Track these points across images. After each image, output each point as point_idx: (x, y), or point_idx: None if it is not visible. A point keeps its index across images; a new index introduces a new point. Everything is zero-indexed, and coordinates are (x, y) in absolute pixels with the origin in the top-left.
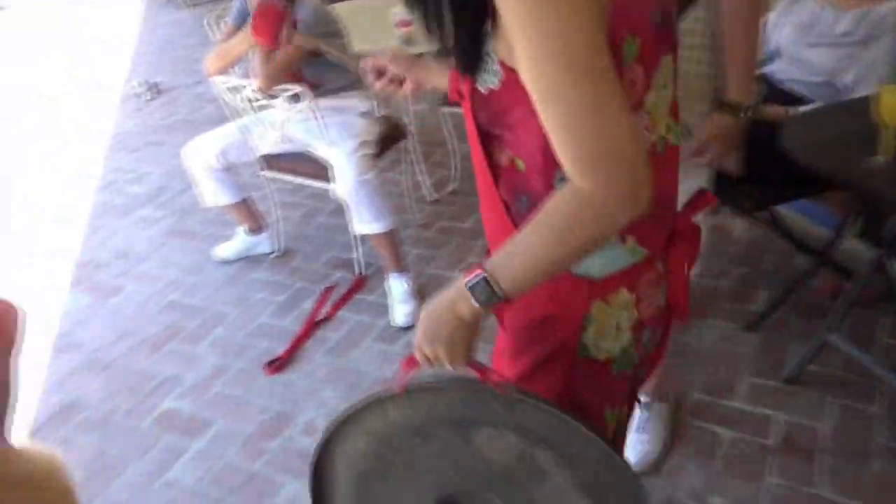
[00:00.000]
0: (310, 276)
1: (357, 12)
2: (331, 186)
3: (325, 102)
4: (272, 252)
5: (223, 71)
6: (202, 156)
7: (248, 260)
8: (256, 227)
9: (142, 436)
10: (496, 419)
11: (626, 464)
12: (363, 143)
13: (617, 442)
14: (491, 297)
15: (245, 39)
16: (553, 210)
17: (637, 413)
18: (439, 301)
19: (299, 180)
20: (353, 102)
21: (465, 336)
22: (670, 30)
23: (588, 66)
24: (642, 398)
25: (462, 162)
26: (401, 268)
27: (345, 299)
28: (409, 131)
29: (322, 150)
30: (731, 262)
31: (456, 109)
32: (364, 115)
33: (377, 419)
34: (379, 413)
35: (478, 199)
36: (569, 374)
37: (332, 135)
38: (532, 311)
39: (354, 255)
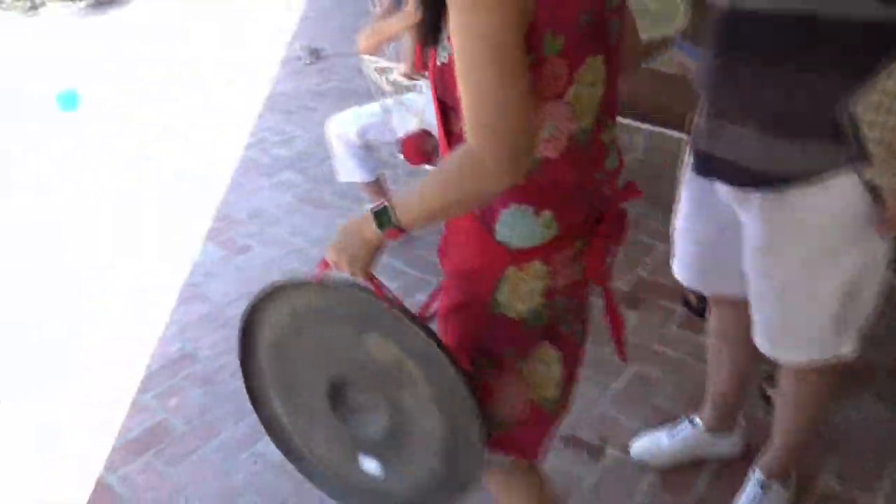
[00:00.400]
0: (429, 267)
1: None
2: None
3: None
4: None
5: (376, 48)
6: (343, 130)
7: None
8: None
9: (242, 400)
10: (383, 328)
11: (471, 398)
12: None
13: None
14: (388, 224)
15: (401, 20)
16: (448, 161)
17: (749, 489)
18: (354, 220)
19: (431, 168)
20: None
21: (366, 253)
22: (603, 34)
23: (496, 56)
24: (758, 474)
25: None
26: None
27: None
28: None
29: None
30: None
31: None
32: None
33: (296, 298)
34: (299, 293)
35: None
36: (480, 323)
37: None
38: (461, 263)
39: None
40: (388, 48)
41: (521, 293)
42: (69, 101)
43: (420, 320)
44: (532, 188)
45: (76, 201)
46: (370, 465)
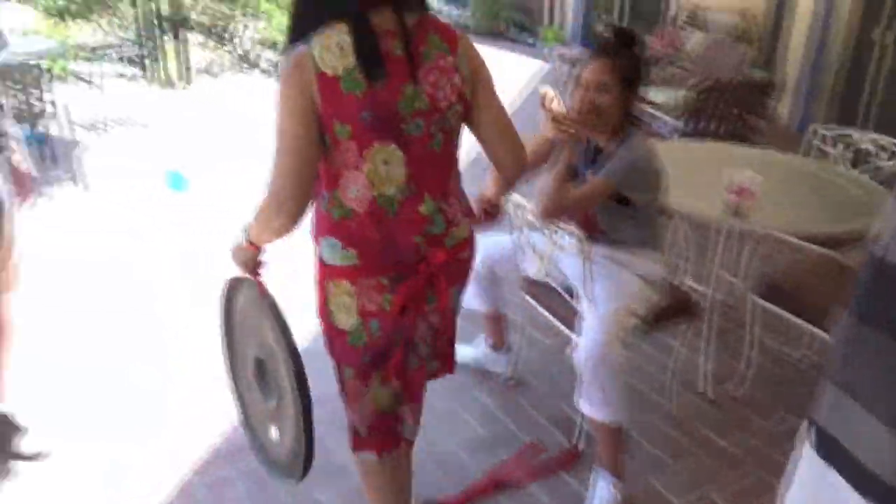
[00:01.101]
0: (525, 419)
1: (688, 163)
2: (573, 340)
3: (601, 251)
4: (504, 376)
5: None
6: None
7: (478, 372)
8: (498, 344)
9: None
10: (263, 316)
11: (300, 379)
12: (628, 311)
13: (348, 390)
14: (244, 238)
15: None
16: (260, 203)
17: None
18: (237, 236)
19: (549, 317)
20: (638, 262)
21: (244, 257)
22: (391, 129)
23: (279, 138)
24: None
25: (760, 360)
26: (615, 471)
27: (544, 471)
28: (701, 310)
29: (580, 299)
30: None
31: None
32: (646, 279)
33: (243, 291)
34: (242, 286)
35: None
36: (326, 325)
37: (596, 288)
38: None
39: (578, 421)
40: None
41: (341, 305)
42: (177, 181)
43: (277, 311)
44: (341, 229)
45: (173, 246)
46: (273, 433)
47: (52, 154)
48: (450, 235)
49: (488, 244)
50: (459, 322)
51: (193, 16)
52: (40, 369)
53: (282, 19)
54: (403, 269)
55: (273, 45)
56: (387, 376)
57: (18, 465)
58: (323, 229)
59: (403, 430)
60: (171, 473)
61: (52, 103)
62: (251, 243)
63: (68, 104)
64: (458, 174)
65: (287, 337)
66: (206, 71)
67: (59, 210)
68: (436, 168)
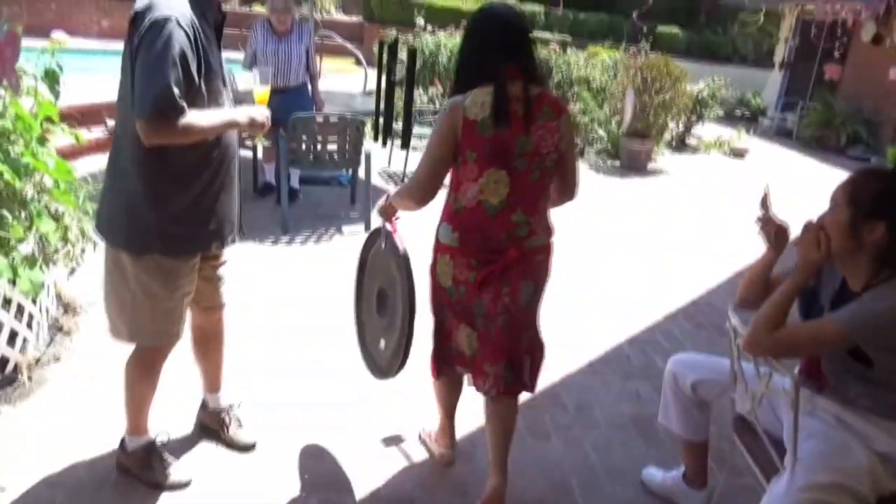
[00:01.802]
0: None
1: None
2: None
3: (827, 406)
4: None
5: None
6: (681, 371)
7: (665, 501)
8: (695, 479)
9: None
10: (391, 256)
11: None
12: (840, 491)
13: (445, 329)
14: (388, 201)
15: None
16: (404, 186)
17: None
18: (384, 200)
19: (751, 463)
20: (879, 436)
21: (387, 212)
22: (505, 161)
23: (430, 149)
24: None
25: None
26: None
27: None
28: None
29: (788, 453)
30: None
31: None
32: (885, 458)
33: (379, 238)
34: (379, 235)
35: None
36: (433, 281)
37: (805, 448)
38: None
39: None
40: None
41: (442, 272)
42: None
43: (404, 258)
44: (456, 217)
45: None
46: (382, 343)
47: (352, 196)
48: (529, 241)
49: (706, 364)
50: (657, 439)
51: None
52: (259, 371)
53: (594, 106)
54: (489, 257)
55: (579, 129)
56: (469, 328)
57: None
58: (445, 216)
59: (486, 384)
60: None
61: (367, 155)
62: (391, 206)
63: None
64: (546, 200)
65: (407, 268)
66: None
67: (347, 244)
68: (530, 193)
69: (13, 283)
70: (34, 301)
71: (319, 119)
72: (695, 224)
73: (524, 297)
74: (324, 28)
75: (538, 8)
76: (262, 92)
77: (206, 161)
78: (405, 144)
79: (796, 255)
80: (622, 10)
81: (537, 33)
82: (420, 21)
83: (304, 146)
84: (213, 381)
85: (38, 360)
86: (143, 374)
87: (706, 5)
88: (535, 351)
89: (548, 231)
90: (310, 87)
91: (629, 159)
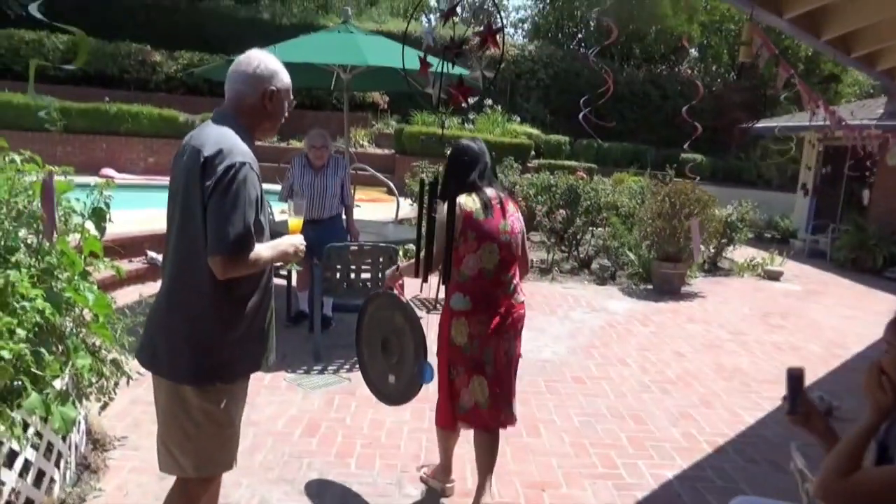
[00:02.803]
0: None
1: None
2: None
3: None
4: None
5: None
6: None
7: None
8: None
9: None
10: (401, 311)
11: (419, 341)
12: None
13: (456, 384)
14: (397, 271)
15: None
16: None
17: None
18: (392, 269)
19: None
20: None
21: (394, 278)
22: (494, 237)
23: (439, 235)
24: None
25: None
26: None
27: None
28: None
29: None
30: None
31: None
32: None
33: (379, 299)
34: (378, 299)
35: None
36: (447, 343)
37: None
38: (441, 322)
39: None
40: None
41: (457, 333)
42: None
43: (410, 309)
44: (464, 286)
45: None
46: (391, 378)
47: None
48: (515, 296)
49: None
50: None
51: (539, 217)
52: None
53: (623, 230)
54: (492, 312)
55: (606, 251)
56: (481, 377)
57: None
58: (455, 288)
59: (499, 423)
60: None
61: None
62: (400, 274)
63: None
64: (523, 265)
65: (416, 320)
66: (543, 269)
67: None
68: (511, 260)
69: (45, 420)
70: (64, 439)
71: (354, 248)
72: (733, 349)
73: (517, 344)
74: (358, 161)
75: (563, 138)
76: (296, 221)
77: (258, 285)
78: (446, 279)
79: (865, 396)
80: (645, 140)
81: (563, 162)
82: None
83: (338, 275)
84: None
85: (62, 502)
86: None
87: (736, 137)
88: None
89: (522, 292)
90: (344, 217)
91: (662, 282)
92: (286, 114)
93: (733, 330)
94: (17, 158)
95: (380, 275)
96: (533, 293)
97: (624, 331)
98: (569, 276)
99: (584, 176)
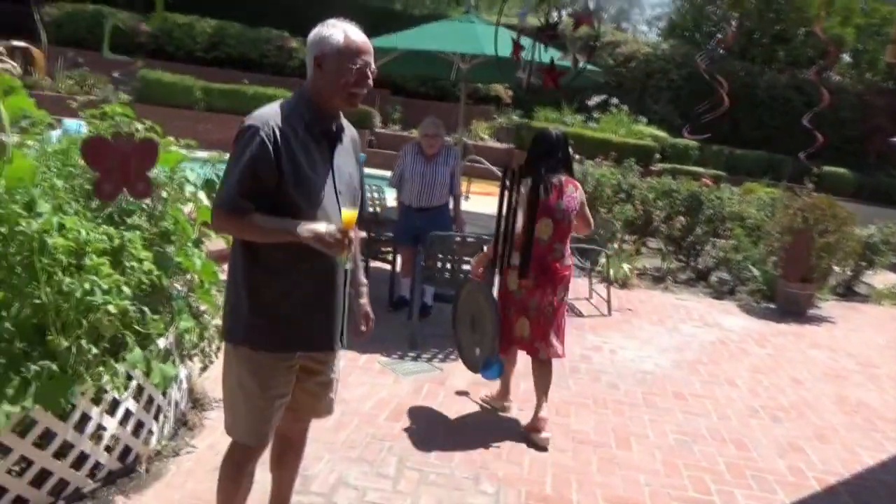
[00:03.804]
0: None
1: None
2: None
3: None
4: None
5: None
6: None
7: None
8: None
9: None
10: (479, 293)
11: (496, 320)
12: None
13: (509, 323)
14: (478, 259)
15: None
16: None
17: None
18: (477, 257)
19: None
20: None
21: (479, 265)
22: (549, 213)
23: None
24: None
25: None
26: None
27: None
28: None
29: None
30: None
31: None
32: None
33: (470, 284)
34: (468, 282)
35: None
36: (504, 290)
37: None
38: None
39: None
40: None
41: (511, 281)
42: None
43: (488, 293)
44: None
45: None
46: (477, 351)
47: None
48: (563, 261)
49: None
50: None
51: (656, 222)
52: None
53: (747, 244)
54: (539, 270)
55: (727, 264)
56: (525, 318)
57: None
58: (515, 248)
59: (538, 353)
60: None
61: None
62: (484, 257)
63: None
64: (583, 227)
65: (493, 301)
66: (656, 277)
67: None
68: (565, 231)
69: (147, 374)
70: (164, 394)
71: (457, 238)
72: (860, 382)
73: (559, 295)
74: (476, 153)
75: (692, 143)
76: (349, 213)
77: (297, 262)
78: (523, 274)
79: None
80: (783, 148)
81: (689, 167)
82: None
83: (439, 264)
84: (283, 493)
85: (158, 453)
86: (230, 474)
87: (876, 145)
88: (560, 332)
89: (570, 256)
90: (451, 207)
91: (787, 303)
92: (353, 78)
93: (863, 361)
94: (140, 127)
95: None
96: (643, 301)
97: (737, 349)
98: (683, 287)
99: (710, 184)
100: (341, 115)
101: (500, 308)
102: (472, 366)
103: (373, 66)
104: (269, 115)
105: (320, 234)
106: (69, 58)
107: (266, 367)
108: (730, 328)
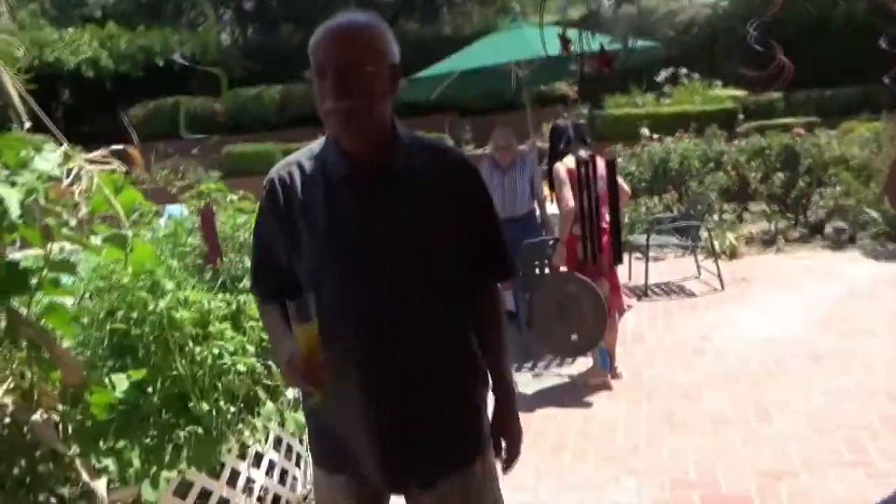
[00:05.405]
0: None
1: None
2: None
3: None
4: None
5: None
6: None
7: None
8: None
9: None
10: (567, 282)
11: (601, 304)
12: None
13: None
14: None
15: None
16: None
17: None
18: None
19: None
20: None
21: (557, 257)
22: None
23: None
24: None
25: None
26: None
27: None
28: None
29: None
30: None
31: None
32: None
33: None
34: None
35: None
36: (571, 256)
37: None
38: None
39: None
40: None
41: (580, 248)
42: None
43: (583, 277)
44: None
45: None
46: (574, 337)
47: None
48: (600, 223)
49: None
50: None
51: (753, 185)
52: None
53: (858, 186)
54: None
55: (841, 211)
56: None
57: None
58: (576, 220)
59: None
60: None
61: None
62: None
63: None
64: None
65: (591, 287)
66: (765, 241)
67: None
68: (602, 198)
69: (282, 425)
70: (301, 441)
71: (550, 241)
72: None
73: (609, 249)
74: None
75: (777, 95)
76: (301, 330)
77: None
78: (618, 259)
79: None
80: (875, 78)
81: (777, 120)
82: (645, 131)
83: (536, 270)
84: None
85: (305, 497)
86: None
87: None
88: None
89: (604, 219)
90: (538, 213)
91: None
92: (326, 96)
93: None
94: (234, 198)
95: None
96: (756, 268)
97: (869, 298)
98: (798, 245)
99: (802, 132)
100: (398, 155)
101: (571, 269)
102: (570, 352)
103: (368, 67)
104: (292, 158)
105: (283, 363)
106: (160, 151)
107: (322, 485)
108: (857, 277)
